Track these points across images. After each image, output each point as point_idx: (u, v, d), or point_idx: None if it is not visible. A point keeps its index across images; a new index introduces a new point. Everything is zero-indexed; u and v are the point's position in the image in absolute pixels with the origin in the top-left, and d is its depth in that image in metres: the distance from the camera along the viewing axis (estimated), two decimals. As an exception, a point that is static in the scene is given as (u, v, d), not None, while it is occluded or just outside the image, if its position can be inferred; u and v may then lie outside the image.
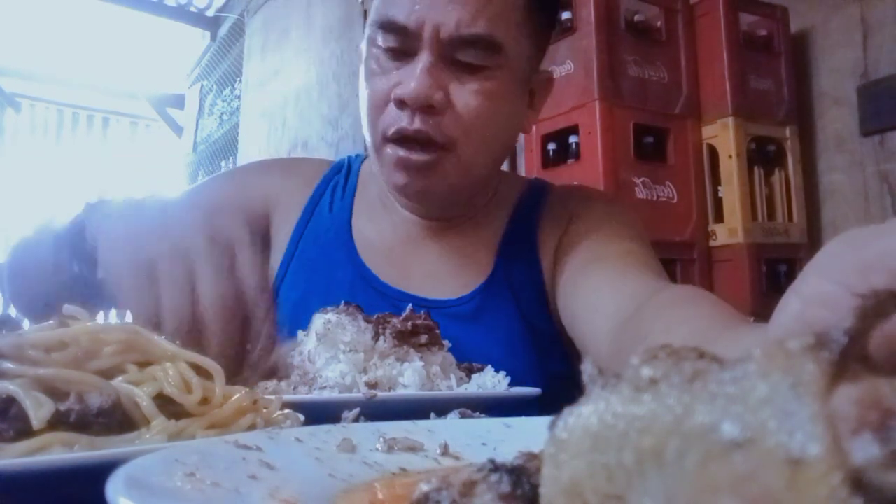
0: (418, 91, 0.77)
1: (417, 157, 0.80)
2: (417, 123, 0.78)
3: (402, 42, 0.79)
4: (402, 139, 0.80)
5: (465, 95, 0.79)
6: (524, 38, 0.83)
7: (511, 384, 0.68)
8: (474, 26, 0.78)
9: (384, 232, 0.95)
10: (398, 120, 0.79)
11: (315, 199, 1.00)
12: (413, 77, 0.77)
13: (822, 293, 0.24)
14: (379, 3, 0.82)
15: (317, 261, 0.94)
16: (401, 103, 0.78)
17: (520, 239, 0.93)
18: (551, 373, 0.85)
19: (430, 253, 0.93)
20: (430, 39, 0.78)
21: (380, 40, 0.81)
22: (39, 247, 0.73)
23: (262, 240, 0.98)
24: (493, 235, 0.94)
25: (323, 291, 0.90)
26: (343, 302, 0.70)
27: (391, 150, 0.81)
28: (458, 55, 0.79)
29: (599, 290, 0.76)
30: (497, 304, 0.89)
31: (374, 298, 0.86)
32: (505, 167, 2.22)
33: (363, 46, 0.86)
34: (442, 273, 0.92)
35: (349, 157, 1.07)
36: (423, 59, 0.78)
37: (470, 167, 0.84)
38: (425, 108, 0.78)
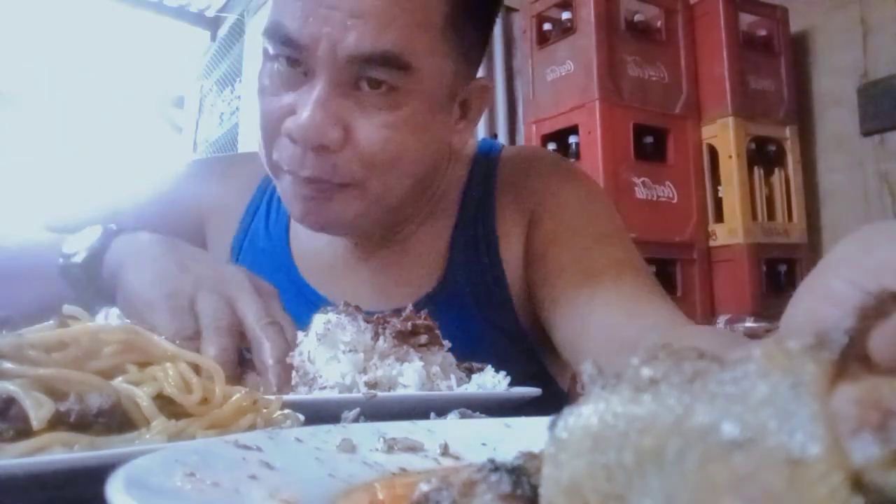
0: (309, 130, 0.67)
1: (312, 190, 0.71)
2: (309, 168, 0.69)
3: (297, 54, 0.69)
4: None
5: (370, 130, 0.69)
6: (445, 54, 0.71)
7: None
8: (378, 42, 0.66)
9: (324, 246, 0.87)
10: (291, 158, 0.70)
11: (251, 213, 0.92)
12: (306, 108, 0.67)
13: (832, 290, 0.24)
14: (273, 6, 0.71)
15: None
16: (292, 139, 0.69)
17: (474, 229, 0.85)
18: (521, 373, 0.79)
19: (376, 264, 0.86)
20: (326, 59, 0.66)
21: (271, 50, 0.71)
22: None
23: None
24: (442, 230, 0.86)
25: None
26: (343, 301, 0.70)
27: (287, 181, 0.73)
28: (360, 76, 0.68)
29: (611, 318, 0.71)
30: (454, 306, 0.82)
31: None
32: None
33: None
34: (391, 283, 0.85)
35: None
36: (318, 87, 0.67)
37: (380, 198, 0.74)
38: (318, 148, 0.68)
